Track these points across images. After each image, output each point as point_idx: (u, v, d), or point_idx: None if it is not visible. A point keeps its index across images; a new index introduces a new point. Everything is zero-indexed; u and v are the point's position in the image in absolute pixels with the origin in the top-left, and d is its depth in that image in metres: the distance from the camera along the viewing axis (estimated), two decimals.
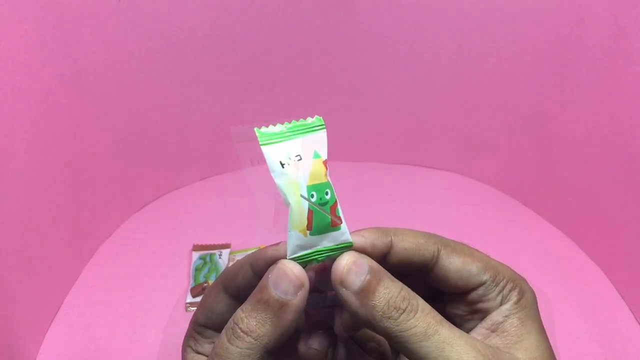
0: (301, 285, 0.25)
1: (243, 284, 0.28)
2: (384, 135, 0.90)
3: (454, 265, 0.27)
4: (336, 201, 0.25)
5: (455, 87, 0.83)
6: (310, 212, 0.25)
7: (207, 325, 0.29)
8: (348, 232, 0.26)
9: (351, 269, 0.25)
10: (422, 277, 0.28)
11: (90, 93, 0.67)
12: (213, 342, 0.29)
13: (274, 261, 0.26)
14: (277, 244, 0.27)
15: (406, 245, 0.27)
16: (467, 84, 0.82)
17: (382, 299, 0.24)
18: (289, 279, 0.24)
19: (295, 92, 0.85)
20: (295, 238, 0.25)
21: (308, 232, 0.25)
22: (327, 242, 0.25)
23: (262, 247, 0.28)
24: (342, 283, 0.25)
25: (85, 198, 0.70)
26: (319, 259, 0.26)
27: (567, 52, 0.70)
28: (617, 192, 0.68)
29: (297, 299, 0.25)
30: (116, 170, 0.75)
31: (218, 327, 0.29)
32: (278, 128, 0.26)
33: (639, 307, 0.66)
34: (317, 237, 0.25)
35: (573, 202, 0.76)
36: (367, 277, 0.25)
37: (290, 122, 0.26)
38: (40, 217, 0.61)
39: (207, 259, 0.71)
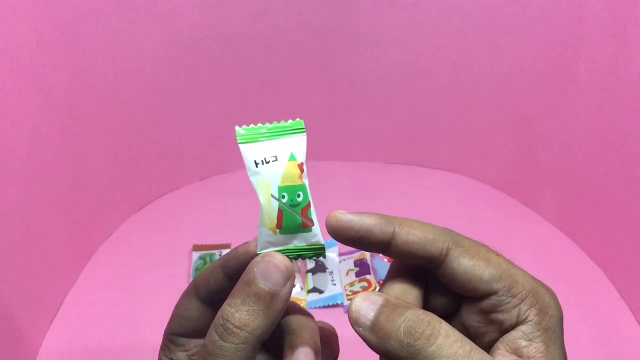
0: (290, 275, 0.25)
1: (215, 287, 0.28)
2: (384, 135, 0.90)
3: (462, 267, 0.25)
4: (309, 203, 0.26)
5: (455, 87, 0.83)
6: (280, 211, 0.26)
7: (180, 334, 0.29)
8: (320, 235, 0.26)
9: (360, 307, 0.25)
10: (431, 271, 0.27)
11: (90, 93, 0.68)
12: (186, 350, 0.29)
13: (248, 258, 0.26)
14: (246, 242, 0.27)
15: (410, 239, 0.26)
16: (467, 84, 0.82)
17: (396, 328, 0.24)
18: (280, 270, 0.25)
19: (295, 92, 0.85)
20: (265, 235, 0.26)
21: (277, 230, 0.26)
22: (298, 241, 0.26)
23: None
24: (356, 323, 0.25)
25: (85, 198, 0.70)
26: (290, 257, 0.26)
27: (567, 52, 0.70)
28: (617, 192, 0.68)
29: (286, 289, 0.25)
30: (116, 170, 0.75)
31: (191, 334, 0.29)
32: (258, 128, 0.27)
33: (639, 307, 0.66)
34: (287, 235, 0.26)
35: (573, 202, 0.76)
36: (377, 310, 0.25)
37: (272, 123, 0.27)
38: (40, 217, 0.61)
39: (207, 259, 0.71)
